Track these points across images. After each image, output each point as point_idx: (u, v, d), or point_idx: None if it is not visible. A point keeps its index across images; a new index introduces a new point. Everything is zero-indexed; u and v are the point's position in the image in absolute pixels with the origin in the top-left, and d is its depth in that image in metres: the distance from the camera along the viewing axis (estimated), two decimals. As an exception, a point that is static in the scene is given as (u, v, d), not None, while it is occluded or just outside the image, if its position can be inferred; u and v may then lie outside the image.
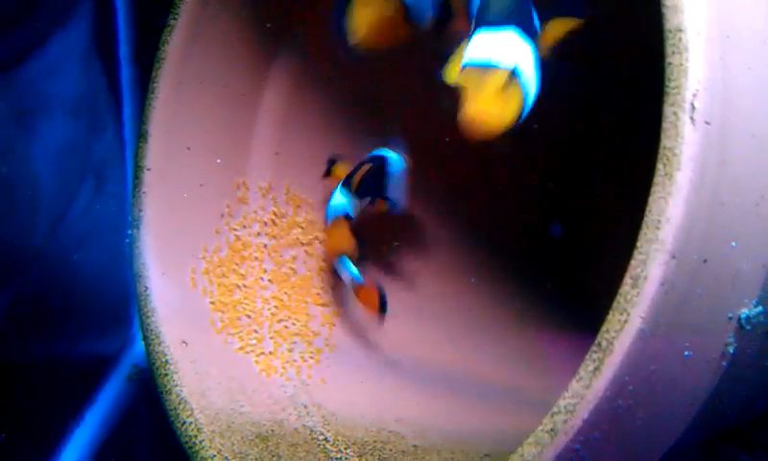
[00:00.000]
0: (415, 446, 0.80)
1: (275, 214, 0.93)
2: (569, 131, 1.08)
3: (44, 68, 0.98)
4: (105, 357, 1.10)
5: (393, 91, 0.97)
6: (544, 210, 1.09)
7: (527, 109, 0.61)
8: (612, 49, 0.94)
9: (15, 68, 0.94)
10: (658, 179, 0.51)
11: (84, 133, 1.06)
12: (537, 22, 0.65)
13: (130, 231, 0.85)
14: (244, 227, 0.91)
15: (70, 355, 1.06)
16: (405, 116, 0.99)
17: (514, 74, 0.60)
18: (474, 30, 0.62)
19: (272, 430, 0.80)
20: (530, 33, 0.62)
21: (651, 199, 0.52)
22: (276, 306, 0.90)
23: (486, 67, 0.59)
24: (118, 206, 1.11)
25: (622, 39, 0.92)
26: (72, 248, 1.04)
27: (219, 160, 0.89)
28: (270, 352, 0.88)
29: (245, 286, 0.89)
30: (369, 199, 0.90)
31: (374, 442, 0.81)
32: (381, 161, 0.88)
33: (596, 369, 0.53)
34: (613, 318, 0.53)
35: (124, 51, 1.09)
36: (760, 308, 0.58)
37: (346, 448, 0.80)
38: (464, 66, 0.60)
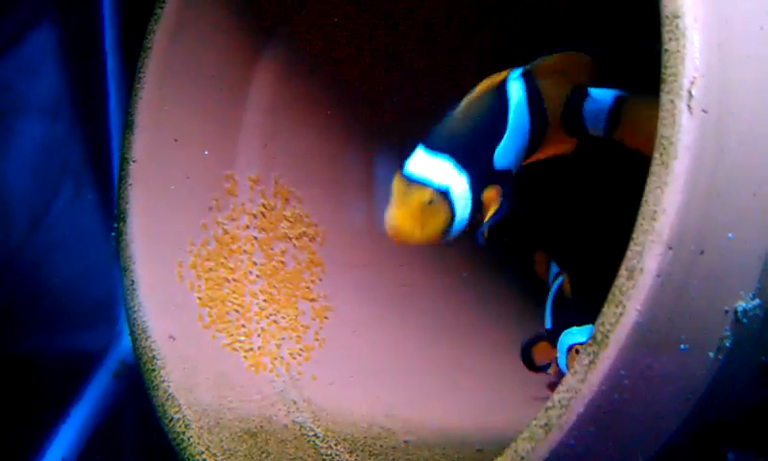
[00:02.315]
0: (406, 441, 0.80)
1: (264, 207, 0.92)
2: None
3: (20, 66, 0.96)
4: (91, 354, 1.10)
5: (383, 83, 0.96)
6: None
7: (456, 230, 0.65)
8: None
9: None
10: (654, 168, 0.51)
11: (62, 134, 1.05)
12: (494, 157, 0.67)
13: (115, 224, 0.83)
14: (232, 220, 0.90)
15: (55, 353, 1.06)
16: (395, 109, 0.98)
17: (442, 194, 0.63)
18: (417, 144, 0.65)
19: (261, 426, 0.79)
20: (469, 163, 0.65)
21: (647, 189, 0.51)
22: (264, 301, 0.89)
23: (414, 182, 0.63)
24: (103, 203, 1.10)
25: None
26: (52, 247, 1.03)
27: (206, 152, 0.88)
28: (259, 348, 0.87)
29: (234, 280, 0.88)
30: None
31: (365, 438, 0.80)
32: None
33: (591, 362, 0.52)
34: (609, 310, 0.52)
35: (110, 41, 1.08)
36: (757, 301, 0.57)
37: (336, 445, 0.79)
38: (397, 175, 0.64)
